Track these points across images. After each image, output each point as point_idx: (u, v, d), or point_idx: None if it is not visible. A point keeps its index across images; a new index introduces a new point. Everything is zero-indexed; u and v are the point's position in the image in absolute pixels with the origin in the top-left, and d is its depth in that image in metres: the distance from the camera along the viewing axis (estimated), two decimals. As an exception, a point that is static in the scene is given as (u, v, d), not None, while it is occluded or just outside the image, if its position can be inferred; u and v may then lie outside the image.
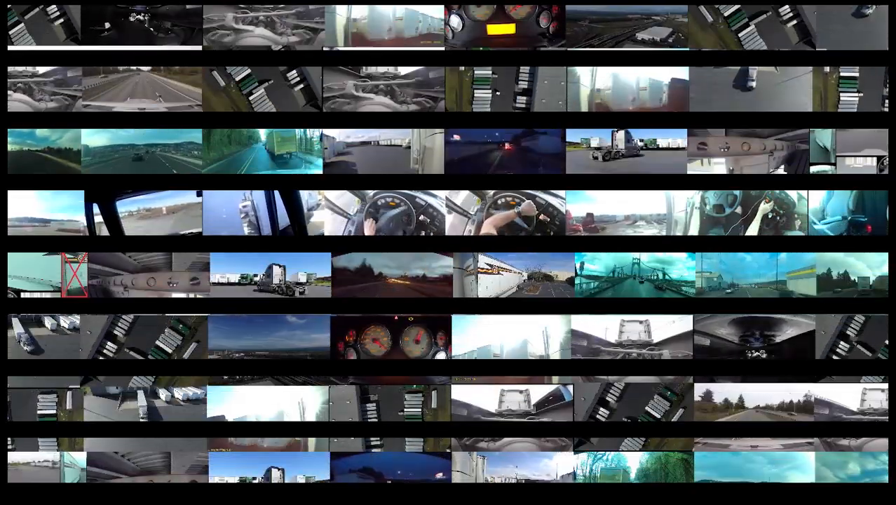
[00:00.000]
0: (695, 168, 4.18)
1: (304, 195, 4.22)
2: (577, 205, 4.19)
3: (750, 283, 4.18)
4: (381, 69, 4.19)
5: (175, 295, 4.16)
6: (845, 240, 4.16)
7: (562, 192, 4.19)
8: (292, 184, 4.14)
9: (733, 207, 4.22)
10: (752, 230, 4.20)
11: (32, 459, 4.15)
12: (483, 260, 4.19)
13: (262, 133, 4.20)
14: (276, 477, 4.16)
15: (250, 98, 4.18)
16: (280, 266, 4.16)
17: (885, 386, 4.18)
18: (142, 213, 4.22)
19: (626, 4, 4.16)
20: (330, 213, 4.21)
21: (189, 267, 4.16)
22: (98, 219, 4.16)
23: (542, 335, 4.19)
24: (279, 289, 4.15)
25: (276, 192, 4.20)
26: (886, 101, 4.15)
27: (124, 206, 4.22)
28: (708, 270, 4.18)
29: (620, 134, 4.17)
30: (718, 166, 4.19)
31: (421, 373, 4.18)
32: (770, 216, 4.21)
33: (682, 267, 4.19)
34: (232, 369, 4.14)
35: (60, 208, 4.16)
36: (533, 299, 4.15)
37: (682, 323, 4.20)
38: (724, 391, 4.20)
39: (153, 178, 4.12)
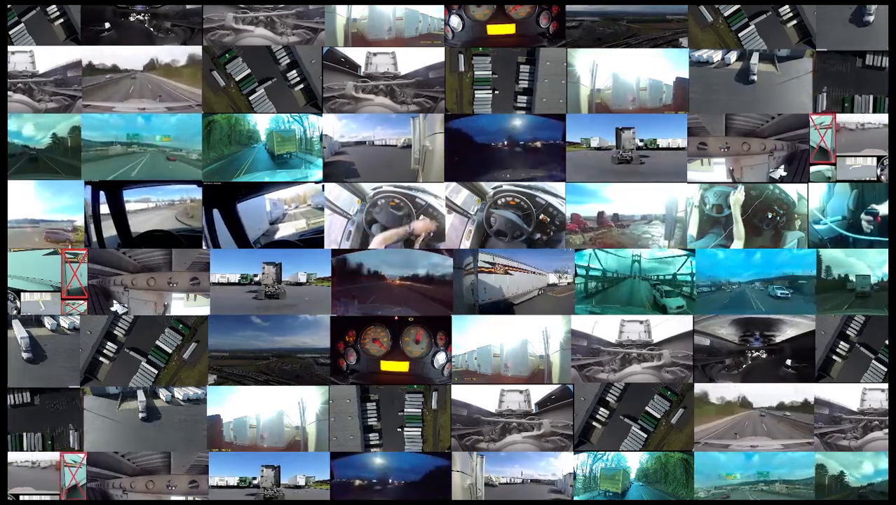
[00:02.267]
0: (695, 168, 4.18)
1: (268, 206, 4.23)
2: (607, 205, 4.20)
3: (749, 280, 4.20)
4: (381, 69, 4.19)
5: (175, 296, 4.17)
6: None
7: (562, 193, 4.19)
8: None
9: (732, 208, 4.22)
10: (738, 229, 4.20)
11: (32, 460, 4.15)
12: (483, 258, 4.19)
13: (263, 133, 4.20)
14: (268, 476, 4.16)
15: (250, 98, 4.18)
16: (272, 265, 4.16)
17: (885, 386, 4.18)
18: (183, 203, 4.22)
19: (626, 4, 4.16)
20: (330, 213, 4.21)
21: (189, 267, 4.16)
22: (104, 209, 4.17)
23: (542, 335, 4.19)
24: (265, 290, 4.16)
25: (216, 210, 4.21)
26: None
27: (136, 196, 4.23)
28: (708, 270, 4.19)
29: (629, 133, 4.17)
30: (718, 166, 4.19)
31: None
32: (771, 216, 4.22)
33: (682, 267, 4.20)
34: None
35: (57, 209, 4.16)
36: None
37: (682, 323, 4.20)
38: (725, 391, 4.20)
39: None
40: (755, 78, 4.17)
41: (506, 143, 4.18)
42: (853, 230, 4.19)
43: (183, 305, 4.16)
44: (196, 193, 4.17)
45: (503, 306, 4.19)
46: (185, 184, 4.17)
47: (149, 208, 4.20)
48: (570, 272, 4.19)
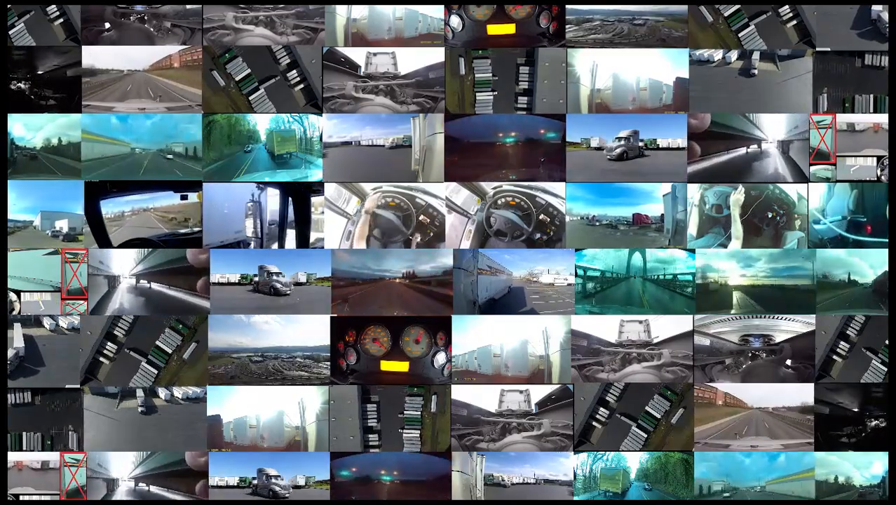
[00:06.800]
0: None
1: None
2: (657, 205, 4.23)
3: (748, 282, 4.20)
4: (381, 69, 4.19)
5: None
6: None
7: (561, 193, 4.19)
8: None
9: (732, 208, 4.22)
10: (736, 229, 4.20)
11: (32, 460, 4.15)
12: (484, 261, 4.20)
13: (263, 133, 4.20)
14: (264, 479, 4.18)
15: (250, 98, 4.18)
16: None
17: (886, 386, 4.19)
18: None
19: (626, 5, 4.17)
20: (330, 213, 4.21)
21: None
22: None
23: (542, 335, 4.19)
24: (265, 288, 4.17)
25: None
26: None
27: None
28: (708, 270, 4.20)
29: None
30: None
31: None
32: (771, 216, 4.22)
33: (682, 266, 4.20)
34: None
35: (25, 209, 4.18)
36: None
37: (682, 323, 4.19)
38: (725, 391, 4.20)
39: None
40: (756, 72, 4.18)
41: (506, 142, 4.18)
42: (852, 231, 4.19)
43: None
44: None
45: (491, 303, 4.20)
46: (185, 184, 4.18)
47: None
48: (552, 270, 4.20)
